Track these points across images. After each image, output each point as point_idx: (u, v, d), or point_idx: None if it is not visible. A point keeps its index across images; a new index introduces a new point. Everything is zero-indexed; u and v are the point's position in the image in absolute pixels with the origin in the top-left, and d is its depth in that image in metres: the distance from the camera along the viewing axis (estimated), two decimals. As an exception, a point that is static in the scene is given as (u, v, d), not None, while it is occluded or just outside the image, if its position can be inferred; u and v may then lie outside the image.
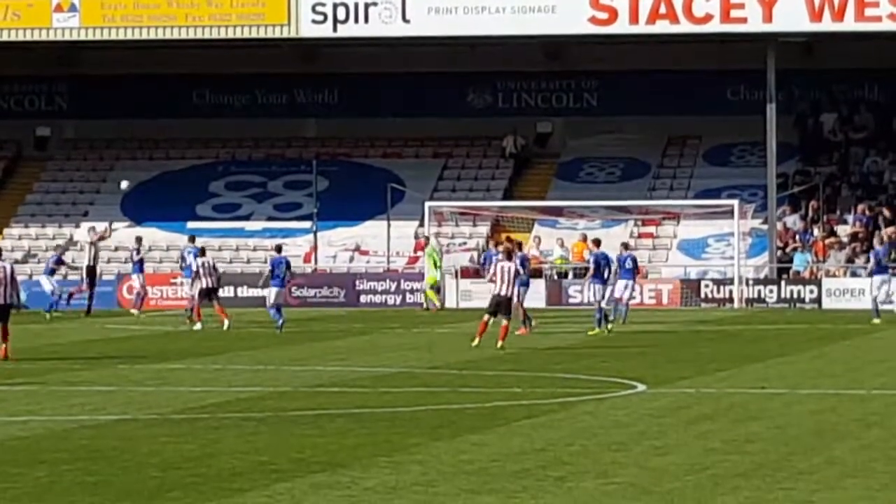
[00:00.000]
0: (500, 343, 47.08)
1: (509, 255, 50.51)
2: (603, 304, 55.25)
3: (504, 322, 47.63)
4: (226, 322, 56.97)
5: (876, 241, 68.39)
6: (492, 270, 51.17)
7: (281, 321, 55.44)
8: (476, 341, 47.63)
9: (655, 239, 78.79)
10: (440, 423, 31.14)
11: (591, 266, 56.61)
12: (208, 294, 56.76)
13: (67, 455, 27.18)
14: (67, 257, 70.26)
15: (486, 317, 48.31)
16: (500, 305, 47.85)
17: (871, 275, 63.82)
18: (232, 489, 23.23)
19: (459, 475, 24.47)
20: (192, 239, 67.92)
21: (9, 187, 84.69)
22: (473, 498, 22.44)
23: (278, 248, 62.01)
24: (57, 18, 75.69)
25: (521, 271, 53.37)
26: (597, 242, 59.44)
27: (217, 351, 48.06)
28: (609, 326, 54.96)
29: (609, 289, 56.16)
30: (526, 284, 56.37)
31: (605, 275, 55.49)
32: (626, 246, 66.99)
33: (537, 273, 75.31)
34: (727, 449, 27.31)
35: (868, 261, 69.75)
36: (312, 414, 32.92)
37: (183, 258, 65.62)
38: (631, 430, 30.15)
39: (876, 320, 58.66)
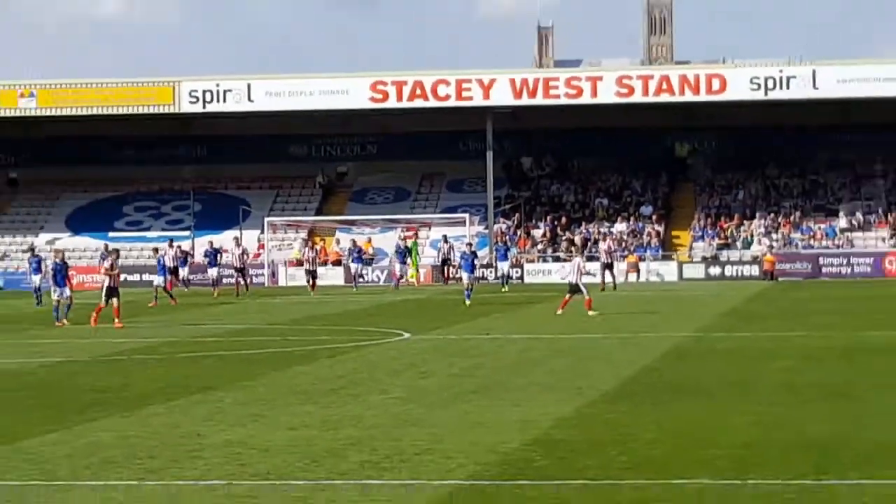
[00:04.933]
0: (590, 312, 43.44)
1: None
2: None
3: (587, 297, 44.50)
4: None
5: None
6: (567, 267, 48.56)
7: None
8: (560, 311, 44.06)
9: (414, 241, 79.08)
10: (277, 360, 31.16)
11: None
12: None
13: (29, 384, 27.00)
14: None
15: (567, 296, 44.99)
16: (573, 288, 44.98)
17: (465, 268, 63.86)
18: (140, 406, 23.16)
19: (290, 393, 24.58)
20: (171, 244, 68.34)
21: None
22: (300, 407, 22.57)
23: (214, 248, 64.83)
24: (22, 101, 76.30)
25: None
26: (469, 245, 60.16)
27: (132, 314, 47.50)
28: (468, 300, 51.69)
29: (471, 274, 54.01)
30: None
31: (471, 264, 54.46)
32: (505, 244, 68.14)
33: (338, 262, 75.55)
34: (464, 374, 27.58)
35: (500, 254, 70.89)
36: (192, 356, 32.78)
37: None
38: (401, 362, 30.32)
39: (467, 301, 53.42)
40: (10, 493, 15.78)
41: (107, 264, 46.03)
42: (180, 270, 67.32)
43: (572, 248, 72.61)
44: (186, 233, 79.54)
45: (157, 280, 59.00)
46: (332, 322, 44.11)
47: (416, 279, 71.15)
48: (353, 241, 75.09)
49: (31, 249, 69.67)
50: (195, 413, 22.15)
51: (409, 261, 71.32)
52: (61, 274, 46.47)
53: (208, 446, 18.78)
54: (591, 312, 43.29)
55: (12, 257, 78.76)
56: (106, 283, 43.68)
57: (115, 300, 43.00)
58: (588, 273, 50.86)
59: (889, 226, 76.21)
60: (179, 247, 71.08)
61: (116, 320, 42.15)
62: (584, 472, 16.48)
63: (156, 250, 68.11)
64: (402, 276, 69.65)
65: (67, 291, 45.42)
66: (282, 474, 16.63)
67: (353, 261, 71.44)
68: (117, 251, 51.86)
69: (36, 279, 59.55)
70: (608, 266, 64.43)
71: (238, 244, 70.41)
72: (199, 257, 73.06)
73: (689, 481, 15.74)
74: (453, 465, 17.01)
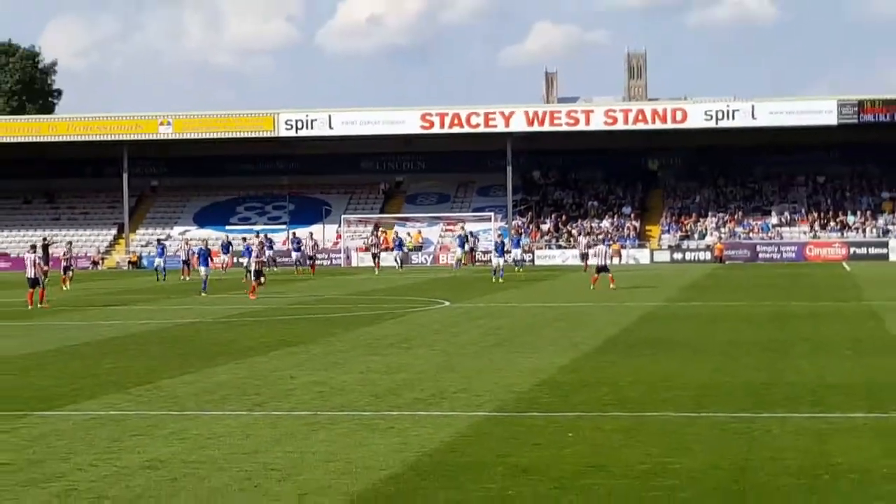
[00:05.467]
0: (612, 285, 42.53)
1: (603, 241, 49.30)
2: (501, 265, 53.19)
3: (609, 275, 43.40)
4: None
5: (510, 231, 69.02)
6: (593, 251, 46.27)
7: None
8: (592, 287, 42.70)
9: (453, 232, 78.97)
10: (349, 322, 31.17)
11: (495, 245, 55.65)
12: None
13: (166, 339, 27.13)
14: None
15: (596, 275, 43.72)
16: (601, 268, 43.64)
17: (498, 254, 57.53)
18: (248, 356, 23.24)
19: (359, 346, 24.60)
20: (264, 236, 67.77)
21: (139, 209, 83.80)
22: (367, 357, 22.61)
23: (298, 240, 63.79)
24: (161, 128, 76.71)
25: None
26: (499, 236, 59.26)
27: (231, 288, 47.45)
28: (501, 279, 51.42)
29: (502, 259, 53.82)
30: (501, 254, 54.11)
31: (502, 250, 54.28)
32: (518, 233, 67.23)
33: (387, 248, 75.53)
34: (489, 332, 27.50)
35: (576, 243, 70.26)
36: (286, 318, 32.83)
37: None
38: (442, 323, 30.21)
39: (500, 279, 51.59)
40: (152, 420, 15.89)
41: (255, 251, 46.24)
42: (266, 253, 67.23)
43: (577, 238, 72.33)
44: (283, 226, 79.68)
45: (245, 261, 59.43)
46: (390, 294, 44.13)
47: (456, 262, 70.94)
48: (396, 233, 74.93)
49: (158, 240, 70.11)
50: (289, 361, 22.23)
51: (466, 247, 70.88)
52: (204, 256, 46.69)
53: (299, 385, 18.86)
54: (599, 284, 42.78)
55: (154, 244, 79.11)
56: (253, 267, 43.54)
57: (262, 279, 42.64)
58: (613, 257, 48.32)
59: (808, 223, 75.88)
60: (266, 236, 70.91)
61: (251, 294, 41.55)
62: (578, 406, 16.49)
63: (244, 239, 68.24)
64: (461, 259, 69.24)
65: (209, 270, 45.87)
66: (354, 407, 16.69)
67: (396, 248, 71.29)
68: (262, 242, 51.93)
69: (160, 261, 59.95)
70: (585, 256, 63.60)
71: (311, 237, 70.55)
72: (288, 244, 73.04)
73: (658, 414, 15.73)
74: (481, 401, 17.04)
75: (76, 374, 20.83)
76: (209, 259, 47.25)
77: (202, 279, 45.78)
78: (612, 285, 42.82)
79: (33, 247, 44.06)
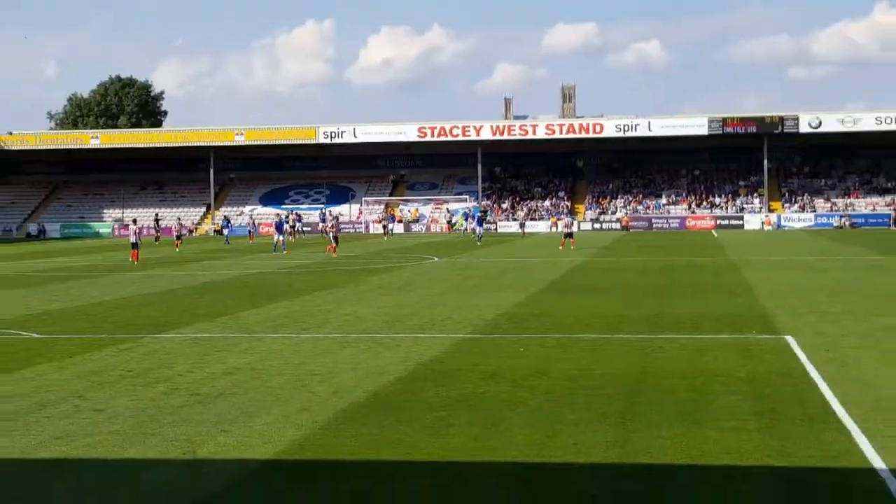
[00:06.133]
0: (572, 247, 40.90)
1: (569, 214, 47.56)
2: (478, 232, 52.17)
3: (571, 241, 42.31)
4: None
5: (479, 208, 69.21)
6: (563, 221, 44.27)
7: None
8: (560, 247, 41.16)
9: (440, 211, 78.56)
10: (368, 272, 30.84)
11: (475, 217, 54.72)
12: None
13: (240, 284, 26.93)
14: (236, 220, 69.21)
15: (563, 239, 42.36)
16: (568, 234, 42.69)
17: (477, 224, 53.96)
18: (299, 295, 23.01)
19: (376, 289, 24.37)
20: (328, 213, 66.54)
21: (221, 194, 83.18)
22: (381, 296, 22.44)
23: (327, 213, 61.33)
24: (236, 137, 75.81)
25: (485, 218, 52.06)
26: (483, 211, 58.68)
27: (287, 246, 47.12)
28: (479, 242, 50.39)
29: (479, 227, 52.60)
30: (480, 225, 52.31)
31: (480, 221, 53.34)
32: (484, 211, 66.24)
33: (399, 221, 75.10)
34: (467, 279, 27.17)
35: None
36: (323, 270, 32.54)
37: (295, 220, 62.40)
38: (434, 273, 29.91)
39: (478, 243, 50.44)
40: (231, 340, 15.80)
41: (331, 222, 45.96)
42: (298, 226, 66.54)
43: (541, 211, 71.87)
44: (322, 205, 79.23)
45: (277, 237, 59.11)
46: (395, 253, 43.93)
47: (461, 229, 69.88)
48: (389, 210, 74.10)
49: (225, 216, 69.66)
50: (326, 299, 22.10)
51: (467, 219, 70.13)
52: (279, 226, 47.09)
53: (334, 317, 18.76)
54: (565, 246, 41.77)
55: (233, 220, 78.53)
56: (331, 234, 42.83)
57: (334, 242, 41.92)
58: (572, 225, 45.91)
59: (688, 202, 75.87)
60: (297, 213, 70.06)
61: (334, 253, 40.50)
62: (528, 330, 16.44)
63: (277, 215, 67.39)
64: (464, 227, 68.71)
65: (281, 236, 46.32)
66: (372, 331, 16.62)
67: (389, 222, 70.74)
68: (337, 217, 51.79)
69: (226, 231, 59.72)
70: (522, 225, 63.12)
71: (331, 213, 69.87)
72: (315, 218, 72.00)
73: (583, 335, 15.69)
74: (460, 326, 16.98)
75: (178, 308, 20.71)
76: (283, 228, 47.62)
77: (275, 242, 46.08)
78: (572, 247, 42.16)
79: (134, 220, 44.42)
